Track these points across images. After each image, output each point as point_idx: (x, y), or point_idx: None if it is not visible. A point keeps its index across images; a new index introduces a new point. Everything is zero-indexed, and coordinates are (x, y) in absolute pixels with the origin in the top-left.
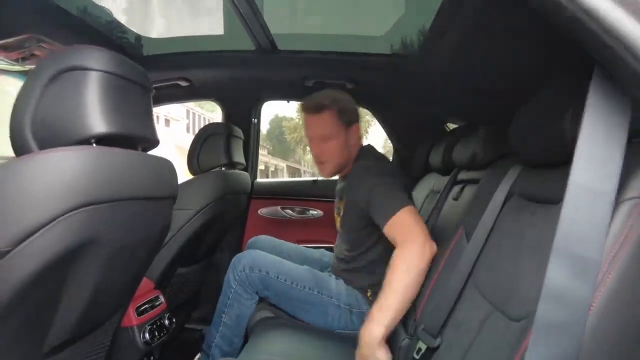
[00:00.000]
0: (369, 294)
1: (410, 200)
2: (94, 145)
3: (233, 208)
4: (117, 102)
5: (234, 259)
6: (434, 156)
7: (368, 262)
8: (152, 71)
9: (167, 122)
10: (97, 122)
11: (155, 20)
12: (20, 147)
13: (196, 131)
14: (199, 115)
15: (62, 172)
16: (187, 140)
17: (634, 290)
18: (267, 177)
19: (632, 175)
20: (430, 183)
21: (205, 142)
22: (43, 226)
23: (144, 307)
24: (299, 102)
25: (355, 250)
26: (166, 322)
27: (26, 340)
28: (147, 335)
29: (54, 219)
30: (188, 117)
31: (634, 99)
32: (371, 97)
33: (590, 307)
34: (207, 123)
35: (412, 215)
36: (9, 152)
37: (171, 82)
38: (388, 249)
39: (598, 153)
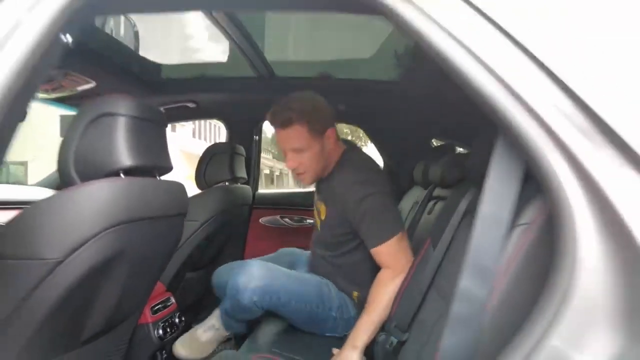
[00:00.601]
0: (355, 298)
1: (401, 223)
2: (122, 176)
3: (235, 219)
4: (139, 139)
5: (235, 282)
6: (416, 172)
7: (349, 263)
8: (162, 94)
9: (173, 127)
10: (124, 157)
11: (168, 48)
12: (65, 179)
13: (202, 136)
14: (204, 120)
15: (98, 199)
16: (193, 144)
17: (522, 293)
18: (272, 181)
19: (524, 207)
20: (415, 195)
21: (210, 160)
22: (86, 242)
23: (157, 307)
24: None
25: (336, 251)
26: (176, 320)
27: (69, 332)
28: (160, 331)
29: (94, 236)
30: (194, 122)
31: None
32: (361, 116)
33: (487, 305)
34: (212, 128)
35: (401, 243)
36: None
37: (180, 104)
38: (367, 254)
39: (499, 190)
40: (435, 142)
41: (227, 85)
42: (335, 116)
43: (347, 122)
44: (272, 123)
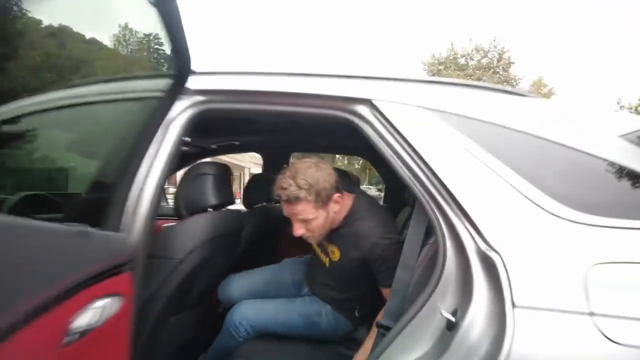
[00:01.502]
0: (356, 313)
1: None
2: (210, 210)
3: (271, 229)
4: (217, 188)
5: (232, 319)
6: (407, 194)
7: (355, 292)
8: (215, 136)
9: None
10: (211, 199)
11: None
12: (179, 212)
13: None
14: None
15: (199, 225)
16: None
17: (426, 278)
18: None
19: (430, 234)
20: (407, 212)
21: (251, 186)
22: (193, 250)
23: None
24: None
25: (345, 286)
26: None
27: (180, 302)
28: (220, 309)
29: (196, 247)
30: None
31: None
32: (367, 150)
33: (409, 285)
34: None
35: None
36: None
37: (228, 143)
38: (375, 286)
39: (418, 224)
40: None
41: (261, 130)
42: (339, 184)
43: (355, 155)
44: (279, 197)
